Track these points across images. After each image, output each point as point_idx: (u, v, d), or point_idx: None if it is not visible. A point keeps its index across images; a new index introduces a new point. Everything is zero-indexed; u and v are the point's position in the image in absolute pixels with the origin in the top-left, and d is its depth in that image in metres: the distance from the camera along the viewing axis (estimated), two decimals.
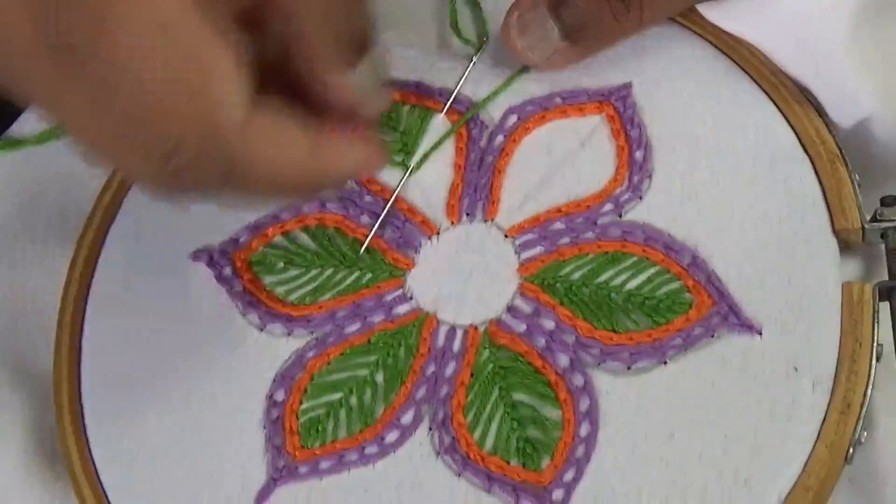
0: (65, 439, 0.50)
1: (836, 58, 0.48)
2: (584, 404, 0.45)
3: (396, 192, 0.51)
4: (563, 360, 0.46)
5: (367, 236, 0.51)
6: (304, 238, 0.52)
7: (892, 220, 0.46)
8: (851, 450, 0.43)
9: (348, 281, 0.50)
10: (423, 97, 0.53)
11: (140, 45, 0.34)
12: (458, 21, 0.55)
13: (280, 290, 0.51)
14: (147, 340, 0.51)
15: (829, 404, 0.43)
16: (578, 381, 0.46)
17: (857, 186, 0.47)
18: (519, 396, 0.46)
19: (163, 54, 0.34)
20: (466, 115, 0.52)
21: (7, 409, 0.53)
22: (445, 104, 0.53)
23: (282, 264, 0.51)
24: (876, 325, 0.44)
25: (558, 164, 0.51)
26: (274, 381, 0.49)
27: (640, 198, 0.49)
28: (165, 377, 0.50)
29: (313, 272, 0.51)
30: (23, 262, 0.57)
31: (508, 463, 0.45)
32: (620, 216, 0.49)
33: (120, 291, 0.52)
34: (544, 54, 0.51)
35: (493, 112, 0.52)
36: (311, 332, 0.49)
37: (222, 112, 0.36)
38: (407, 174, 0.51)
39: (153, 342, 0.51)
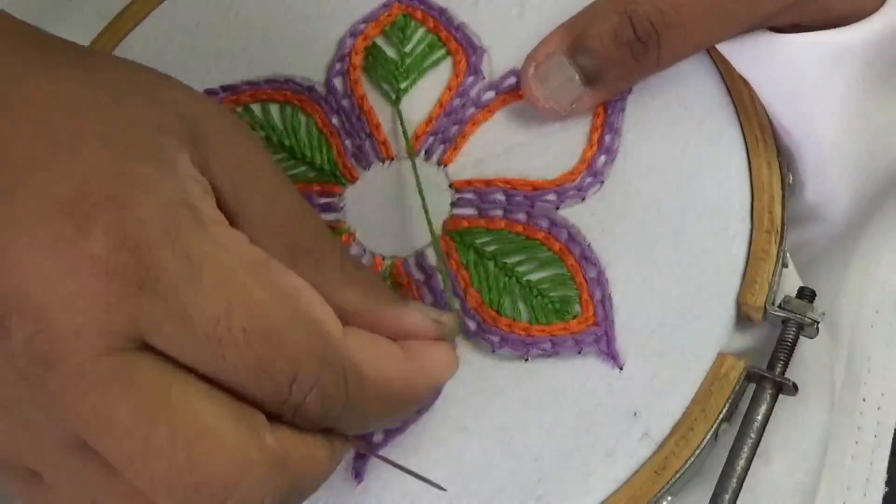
0: None
1: (820, 126, 0.48)
2: None
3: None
4: None
5: (331, 134, 0.52)
6: (277, 112, 0.53)
7: (793, 314, 0.46)
8: None
9: (294, 171, 0.52)
10: (440, 25, 0.54)
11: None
12: None
13: None
14: None
15: (647, 459, 0.44)
16: None
17: (781, 268, 0.47)
18: None
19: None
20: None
21: None
22: (461, 45, 0.53)
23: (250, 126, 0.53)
24: (729, 404, 0.45)
25: (531, 138, 0.51)
26: None
27: (583, 199, 0.49)
28: None
29: (271, 149, 0.53)
30: None
31: None
32: (558, 208, 0.49)
33: None
34: (568, 102, 0.50)
35: (496, 67, 0.53)
36: None
37: (326, 324, 0.39)
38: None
39: None
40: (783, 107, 0.49)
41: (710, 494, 0.45)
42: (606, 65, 0.49)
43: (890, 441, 0.54)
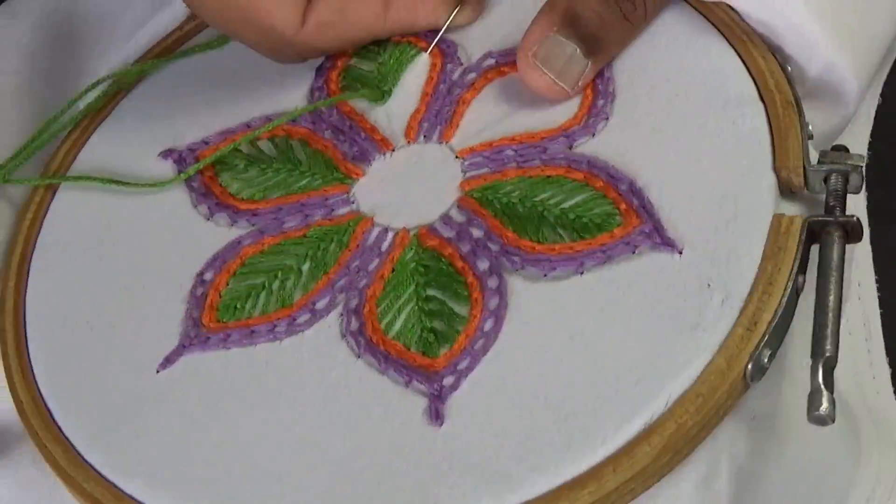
0: (4, 290, 0.51)
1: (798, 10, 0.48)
2: (493, 303, 0.45)
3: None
4: (483, 264, 0.46)
5: (327, 147, 0.52)
6: (269, 146, 0.53)
7: (837, 164, 0.45)
8: (751, 367, 0.41)
9: (299, 183, 0.51)
10: (407, 34, 0.55)
11: None
12: None
13: (234, 186, 0.52)
14: (102, 220, 0.53)
15: (735, 320, 0.42)
16: (493, 282, 0.45)
17: (806, 133, 0.46)
18: (433, 292, 0.46)
19: None
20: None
21: None
22: (431, 44, 0.54)
23: (242, 165, 0.52)
24: (799, 256, 0.43)
25: (524, 103, 0.51)
26: (207, 262, 0.49)
27: (593, 134, 0.49)
28: (105, 251, 0.52)
29: (269, 174, 0.52)
30: None
31: (409, 349, 0.45)
32: (570, 148, 0.49)
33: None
34: (575, 78, 0.50)
35: (473, 51, 0.53)
36: (254, 225, 0.50)
37: (277, 22, 0.49)
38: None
39: (107, 222, 0.53)
40: (759, 11, 0.50)
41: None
42: (602, 29, 0.49)
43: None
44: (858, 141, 0.54)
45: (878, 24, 0.50)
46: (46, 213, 0.54)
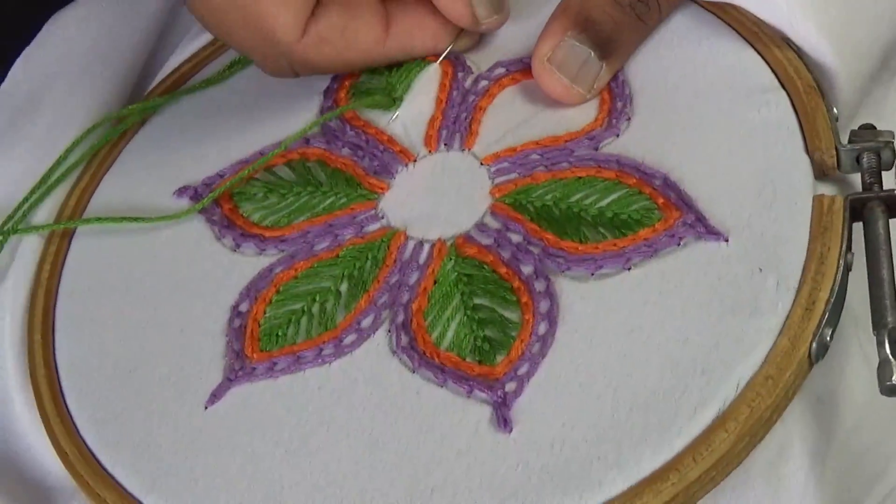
0: (32, 345, 0.50)
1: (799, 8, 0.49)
2: (544, 306, 0.44)
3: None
4: (528, 268, 0.46)
5: (346, 165, 0.51)
6: (286, 171, 0.52)
7: (868, 141, 0.46)
8: (815, 346, 0.41)
9: (323, 204, 0.50)
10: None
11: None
12: None
13: (257, 215, 0.51)
14: (124, 263, 0.52)
15: (793, 301, 0.42)
16: (541, 285, 0.45)
17: (833, 117, 0.47)
18: (480, 300, 0.46)
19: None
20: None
21: None
22: (440, 56, 0.54)
23: (262, 193, 0.52)
24: (846, 232, 0.43)
25: (540, 109, 0.51)
26: (240, 293, 0.48)
27: (617, 135, 0.49)
28: (134, 293, 0.50)
29: (290, 198, 0.51)
30: None
31: (464, 359, 0.44)
32: (597, 150, 0.49)
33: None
34: (591, 82, 0.50)
35: (482, 63, 0.53)
36: (283, 251, 0.49)
37: (278, 27, 0.49)
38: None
39: (130, 265, 0.52)
40: (764, 7, 0.50)
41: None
42: (615, 32, 0.49)
43: None
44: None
45: (871, 24, 0.51)
46: (64, 261, 0.53)
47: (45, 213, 0.55)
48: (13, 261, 0.54)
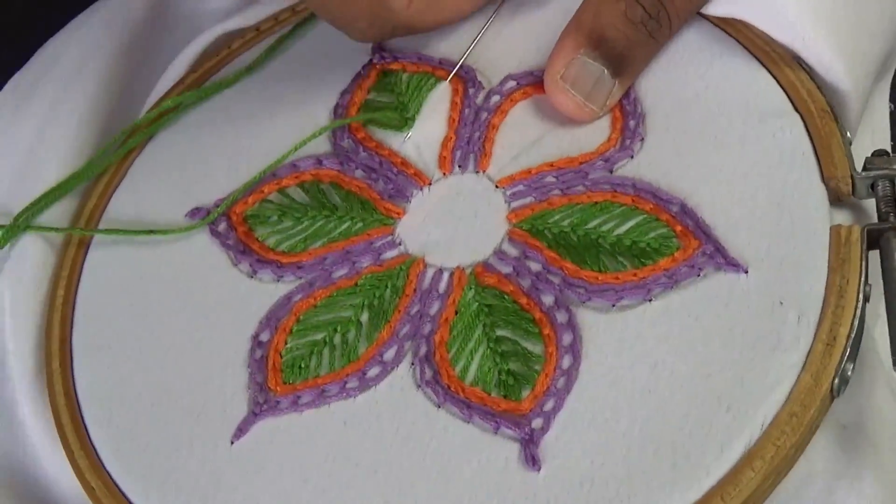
0: (51, 373, 0.49)
1: (810, 25, 0.49)
2: (567, 339, 0.45)
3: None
4: (549, 298, 0.46)
5: (360, 188, 0.51)
6: (299, 193, 0.52)
7: (883, 169, 0.46)
8: (837, 381, 0.42)
9: (339, 229, 0.50)
10: (422, 65, 0.54)
11: None
12: None
13: (272, 240, 0.51)
14: (140, 289, 0.51)
15: (814, 336, 0.43)
16: (563, 317, 0.45)
17: (847, 141, 0.47)
18: (502, 332, 0.46)
19: None
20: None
21: None
22: (450, 72, 0.53)
23: (276, 217, 0.51)
24: (864, 264, 0.44)
25: (553, 126, 0.51)
26: (260, 323, 0.48)
27: (632, 156, 0.49)
28: (152, 321, 0.50)
29: (305, 223, 0.51)
30: None
31: (489, 394, 0.45)
32: (611, 172, 0.49)
33: (118, 244, 0.53)
34: (603, 99, 0.50)
35: (492, 77, 0.53)
36: (300, 278, 0.49)
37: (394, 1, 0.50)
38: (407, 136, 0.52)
39: (145, 291, 0.51)
40: (775, 25, 0.50)
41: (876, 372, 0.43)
42: (628, 49, 0.49)
43: None
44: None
45: (875, 40, 0.51)
46: (77, 286, 0.53)
47: (52, 220, 0.55)
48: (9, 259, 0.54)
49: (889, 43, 0.52)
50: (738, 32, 0.51)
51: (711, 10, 0.51)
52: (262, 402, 0.46)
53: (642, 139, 0.49)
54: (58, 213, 0.56)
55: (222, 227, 0.52)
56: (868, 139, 0.53)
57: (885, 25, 0.52)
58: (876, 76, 0.52)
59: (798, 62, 0.49)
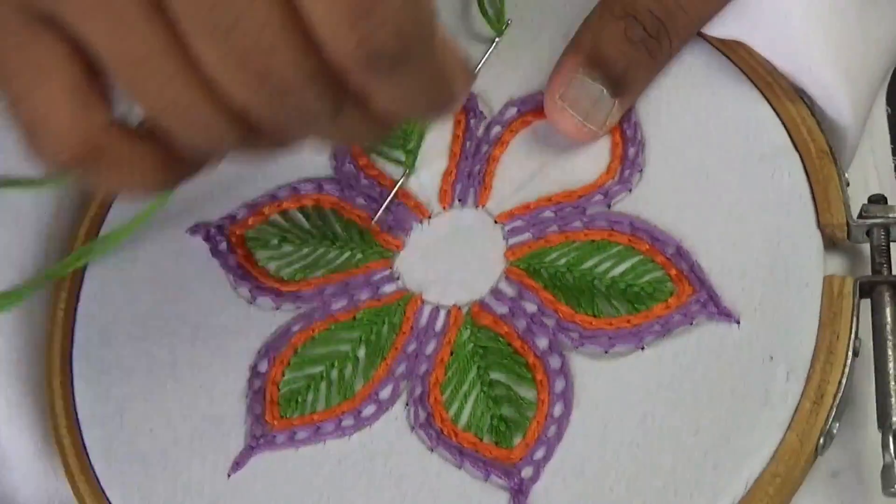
0: (52, 400, 0.51)
1: (817, 54, 0.49)
2: (559, 385, 0.46)
3: (399, 182, 0.52)
4: (543, 342, 0.47)
5: (361, 218, 0.51)
6: (300, 217, 0.52)
7: (878, 217, 0.46)
8: (822, 440, 0.43)
9: (339, 260, 0.51)
10: None
11: None
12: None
13: (272, 265, 0.52)
14: (138, 309, 0.52)
15: (802, 393, 0.43)
16: (556, 363, 0.46)
17: (844, 184, 0.47)
18: (496, 375, 0.47)
19: None
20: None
21: None
22: None
23: (276, 241, 0.52)
24: (855, 319, 0.44)
25: (553, 156, 0.51)
26: (258, 352, 0.49)
27: (630, 190, 0.49)
28: (152, 343, 0.51)
29: (306, 250, 0.51)
30: None
31: (481, 440, 0.45)
32: (609, 207, 0.49)
33: (119, 259, 0.53)
34: (603, 119, 0.50)
35: (493, 104, 0.53)
36: (299, 308, 0.50)
37: None
38: (404, 176, 0.52)
39: (144, 311, 0.52)
40: (779, 52, 0.50)
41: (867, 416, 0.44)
42: (628, 69, 0.49)
43: None
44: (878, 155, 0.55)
45: (877, 70, 0.51)
46: (77, 303, 0.53)
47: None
48: None
49: (885, 67, 0.52)
50: (741, 60, 0.50)
51: (714, 31, 0.51)
52: (259, 437, 0.47)
53: (641, 170, 0.49)
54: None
55: (222, 246, 0.52)
56: (867, 143, 0.53)
57: (882, 55, 0.51)
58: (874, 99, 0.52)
59: (798, 94, 0.49)
